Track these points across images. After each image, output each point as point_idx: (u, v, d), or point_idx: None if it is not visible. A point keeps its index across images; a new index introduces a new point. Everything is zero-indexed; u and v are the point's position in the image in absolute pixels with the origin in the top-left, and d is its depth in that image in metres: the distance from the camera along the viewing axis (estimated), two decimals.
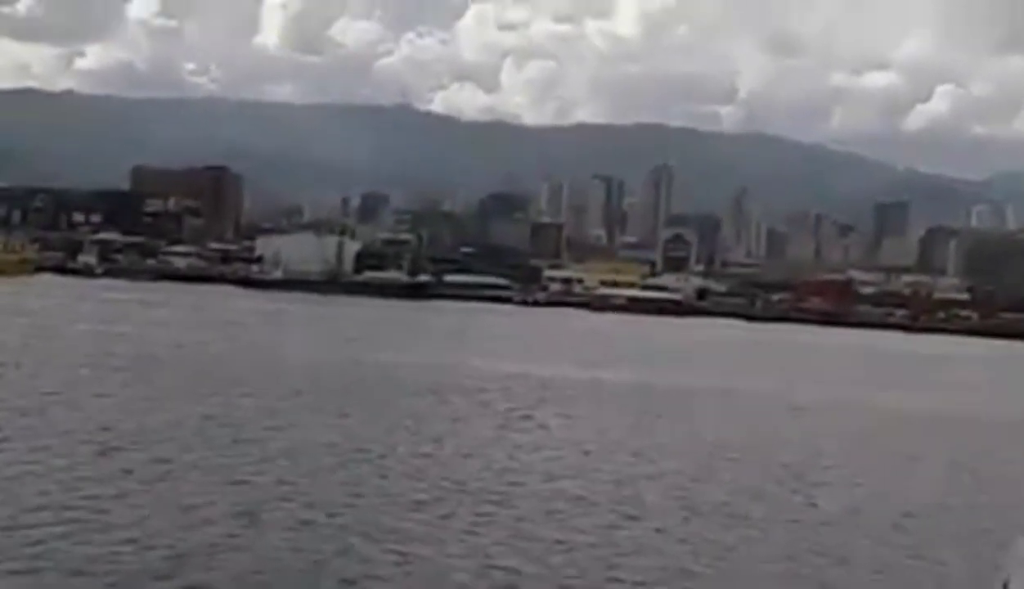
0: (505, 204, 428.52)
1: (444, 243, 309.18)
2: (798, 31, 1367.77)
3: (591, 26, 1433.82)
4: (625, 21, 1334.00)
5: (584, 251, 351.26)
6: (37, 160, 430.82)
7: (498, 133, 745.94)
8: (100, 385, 53.58)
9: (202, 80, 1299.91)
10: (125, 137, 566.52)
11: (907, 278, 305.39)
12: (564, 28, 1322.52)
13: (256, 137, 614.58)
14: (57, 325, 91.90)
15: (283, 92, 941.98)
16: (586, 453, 44.48)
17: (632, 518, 31.70)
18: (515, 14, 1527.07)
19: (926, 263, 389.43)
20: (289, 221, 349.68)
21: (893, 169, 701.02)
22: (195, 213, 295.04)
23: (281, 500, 30.53)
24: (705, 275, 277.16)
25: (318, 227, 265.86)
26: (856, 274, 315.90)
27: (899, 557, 29.31)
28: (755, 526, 31.68)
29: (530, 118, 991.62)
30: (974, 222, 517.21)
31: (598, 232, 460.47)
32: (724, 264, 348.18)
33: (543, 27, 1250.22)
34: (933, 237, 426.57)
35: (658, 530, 30.48)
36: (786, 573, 27.12)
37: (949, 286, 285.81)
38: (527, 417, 53.70)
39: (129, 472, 32.55)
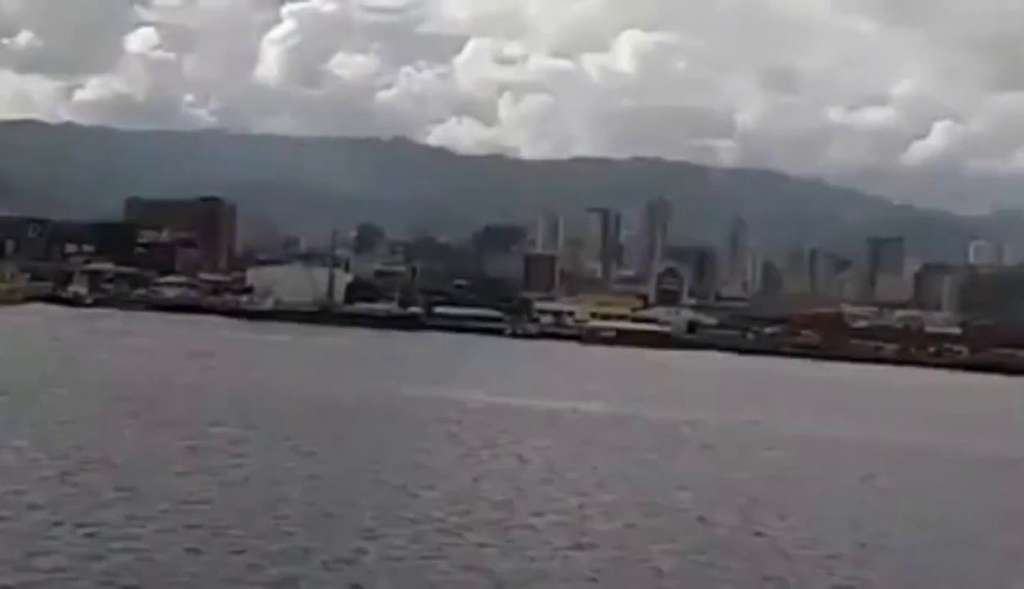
0: (501, 237, 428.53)
1: (438, 275, 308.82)
2: (795, 67, 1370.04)
3: (588, 61, 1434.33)
4: (622, 56, 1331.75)
5: (579, 284, 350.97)
6: (35, 191, 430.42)
7: (495, 166, 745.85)
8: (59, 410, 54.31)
9: (201, 112, 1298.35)
10: (123, 169, 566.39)
11: (900, 313, 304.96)
12: (561, 63, 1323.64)
13: (254, 169, 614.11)
14: (34, 352, 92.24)
15: (282, 124, 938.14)
16: (542, 479, 45.00)
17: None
18: (512, 49, 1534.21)
19: (921, 298, 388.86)
20: (286, 252, 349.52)
21: (890, 204, 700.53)
22: (189, 244, 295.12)
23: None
24: (697, 308, 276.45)
25: (310, 258, 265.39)
26: (848, 308, 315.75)
27: None
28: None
29: (528, 152, 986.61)
30: (972, 258, 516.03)
31: (594, 265, 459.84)
32: (718, 298, 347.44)
33: (540, 62, 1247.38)
34: (928, 273, 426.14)
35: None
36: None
37: (942, 321, 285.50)
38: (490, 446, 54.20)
39: None
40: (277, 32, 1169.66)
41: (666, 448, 59.64)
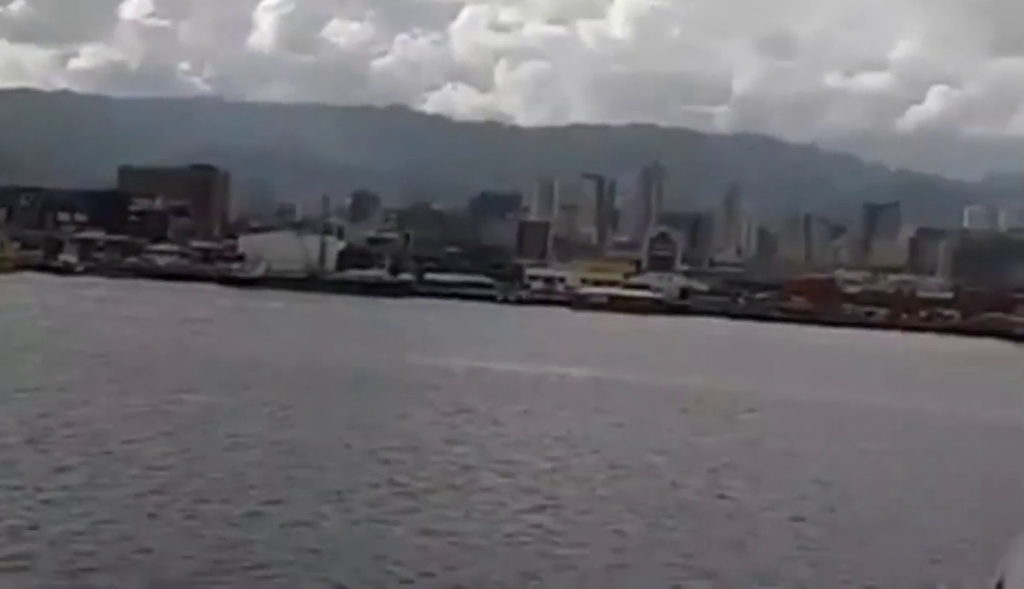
0: (496, 204, 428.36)
1: (432, 242, 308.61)
2: (791, 32, 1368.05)
3: (584, 27, 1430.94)
4: (617, 22, 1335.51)
5: (574, 250, 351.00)
6: (29, 160, 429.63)
7: (491, 133, 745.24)
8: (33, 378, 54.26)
9: (196, 80, 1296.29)
10: (118, 137, 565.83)
11: (894, 278, 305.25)
12: (557, 29, 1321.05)
13: (250, 137, 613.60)
14: (14, 319, 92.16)
15: (277, 92, 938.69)
16: (513, 443, 44.95)
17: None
18: (507, 15, 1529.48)
19: (916, 264, 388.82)
20: (280, 220, 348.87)
21: (886, 170, 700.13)
22: (182, 212, 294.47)
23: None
24: (690, 274, 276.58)
25: (302, 226, 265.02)
26: (843, 274, 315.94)
27: None
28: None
29: (524, 119, 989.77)
30: (966, 223, 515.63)
31: (589, 231, 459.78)
32: (711, 263, 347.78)
33: (536, 28, 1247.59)
34: (923, 238, 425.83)
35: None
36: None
37: (935, 286, 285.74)
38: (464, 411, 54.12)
39: None
40: None
41: (643, 412, 59.46)
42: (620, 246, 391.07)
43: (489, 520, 30.99)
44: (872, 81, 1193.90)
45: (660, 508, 34.20)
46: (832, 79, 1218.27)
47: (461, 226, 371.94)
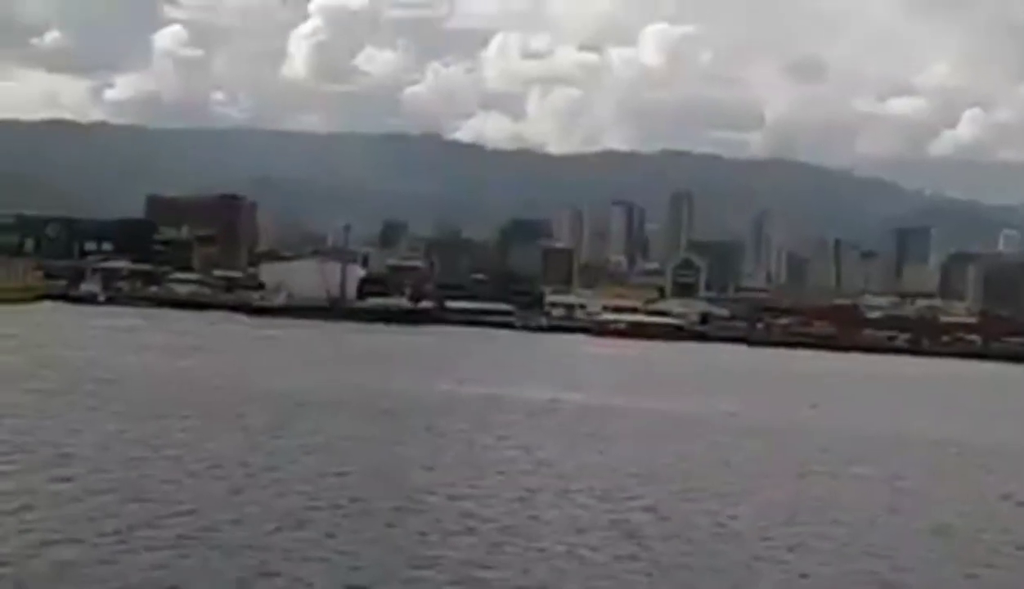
0: (527, 231, 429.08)
1: (460, 269, 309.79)
2: (821, 57, 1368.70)
3: (614, 54, 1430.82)
4: (648, 49, 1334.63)
5: (601, 277, 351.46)
6: (60, 190, 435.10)
7: (524, 161, 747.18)
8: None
9: (230, 110, 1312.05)
10: (153, 167, 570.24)
11: (921, 303, 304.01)
12: (588, 56, 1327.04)
13: (284, 166, 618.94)
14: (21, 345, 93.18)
15: (311, 121, 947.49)
16: (499, 473, 44.96)
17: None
18: (539, 42, 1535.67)
19: (947, 289, 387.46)
20: (309, 249, 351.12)
21: (920, 194, 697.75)
22: (209, 241, 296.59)
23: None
24: (715, 300, 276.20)
25: (325, 254, 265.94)
26: (871, 299, 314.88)
27: None
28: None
29: (556, 146, 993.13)
30: (1001, 247, 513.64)
31: (619, 258, 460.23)
32: (737, 289, 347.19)
33: (567, 56, 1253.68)
34: (954, 262, 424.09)
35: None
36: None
37: (963, 310, 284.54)
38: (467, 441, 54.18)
39: None
40: (305, 28, 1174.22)
41: (637, 437, 59.64)
42: (649, 273, 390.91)
43: (450, 545, 31.23)
44: (904, 105, 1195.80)
45: (627, 531, 34.44)
46: (864, 104, 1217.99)
47: (489, 253, 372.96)
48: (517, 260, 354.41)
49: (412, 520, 33.73)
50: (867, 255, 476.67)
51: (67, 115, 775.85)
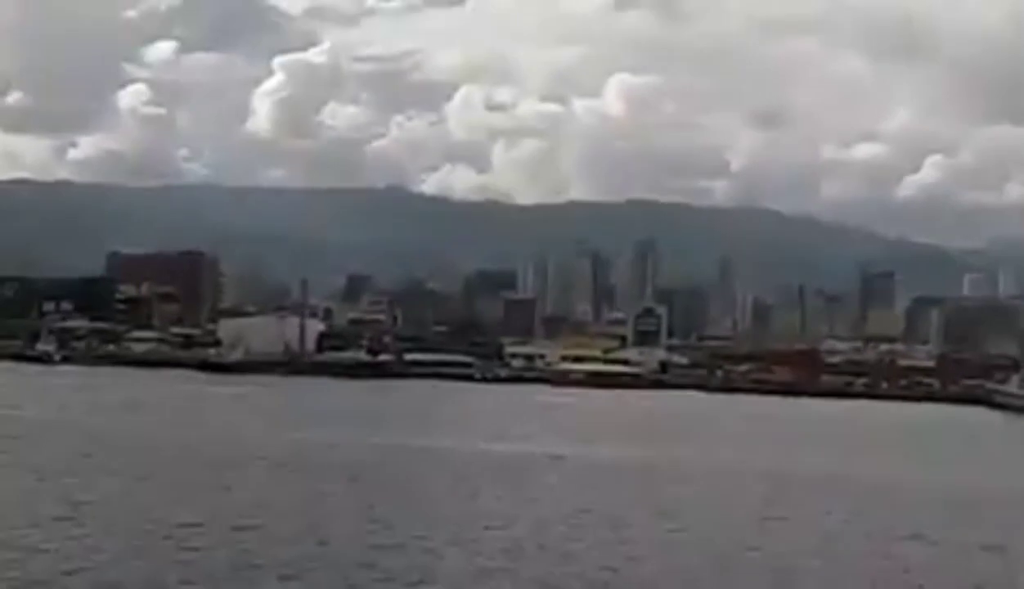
0: (491, 282, 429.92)
1: (424, 321, 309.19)
2: (784, 105, 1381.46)
3: (578, 105, 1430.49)
4: (611, 99, 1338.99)
5: (564, 327, 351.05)
6: (21, 249, 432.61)
7: (490, 212, 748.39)
8: None
9: (194, 166, 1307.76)
10: (115, 225, 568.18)
11: (884, 347, 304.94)
12: (552, 107, 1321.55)
13: (248, 222, 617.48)
14: None
15: (276, 176, 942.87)
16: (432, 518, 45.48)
17: None
18: (503, 94, 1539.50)
19: (911, 333, 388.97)
20: (273, 305, 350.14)
21: (884, 239, 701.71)
22: (170, 298, 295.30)
23: None
24: (676, 348, 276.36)
25: (286, 309, 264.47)
26: (834, 344, 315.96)
27: None
28: None
29: (522, 197, 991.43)
30: (966, 290, 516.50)
31: (585, 307, 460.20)
32: (700, 337, 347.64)
33: (531, 107, 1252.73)
34: (919, 306, 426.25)
35: None
36: None
37: (924, 354, 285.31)
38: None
39: None
40: (268, 84, 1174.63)
41: (577, 485, 60.50)
42: (613, 323, 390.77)
43: None
44: (868, 151, 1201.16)
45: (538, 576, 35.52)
46: (828, 150, 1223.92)
47: (453, 305, 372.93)
48: (481, 311, 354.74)
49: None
50: (832, 300, 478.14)
51: (28, 175, 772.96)
